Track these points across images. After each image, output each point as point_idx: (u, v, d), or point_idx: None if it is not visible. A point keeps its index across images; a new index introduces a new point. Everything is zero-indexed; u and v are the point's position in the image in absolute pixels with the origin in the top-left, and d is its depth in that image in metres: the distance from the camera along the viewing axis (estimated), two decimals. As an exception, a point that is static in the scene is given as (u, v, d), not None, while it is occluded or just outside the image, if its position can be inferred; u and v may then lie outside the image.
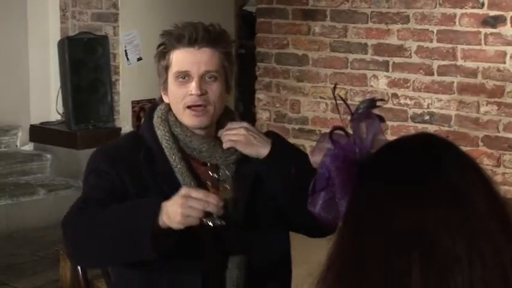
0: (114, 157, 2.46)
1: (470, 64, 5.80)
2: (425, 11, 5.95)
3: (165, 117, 2.51)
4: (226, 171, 2.44)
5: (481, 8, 5.72)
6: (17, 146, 7.15)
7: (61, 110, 7.08)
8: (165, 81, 2.51)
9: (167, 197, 2.25)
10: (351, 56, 6.32)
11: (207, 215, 2.22)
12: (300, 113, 6.59)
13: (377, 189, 1.28)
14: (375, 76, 6.22)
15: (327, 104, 6.47)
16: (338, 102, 1.65)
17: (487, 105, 5.75)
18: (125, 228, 2.26)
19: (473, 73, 5.79)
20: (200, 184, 2.44)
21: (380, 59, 6.18)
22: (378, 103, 1.43)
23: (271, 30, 6.70)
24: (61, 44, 6.83)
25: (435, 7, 5.90)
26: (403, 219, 1.23)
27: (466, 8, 5.77)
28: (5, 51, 7.13)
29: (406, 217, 1.23)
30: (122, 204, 2.34)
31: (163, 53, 2.51)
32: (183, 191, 2.24)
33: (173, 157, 2.44)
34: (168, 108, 2.52)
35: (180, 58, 2.46)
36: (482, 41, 5.74)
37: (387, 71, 6.16)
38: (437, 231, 1.22)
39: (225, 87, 2.51)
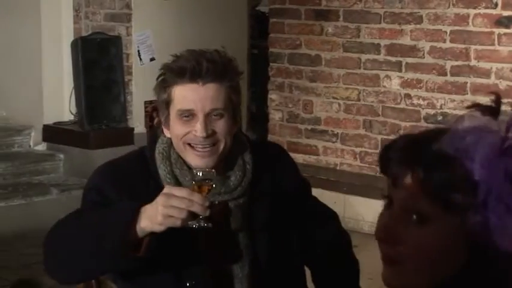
0: (121, 184, 2.27)
1: (483, 64, 5.78)
2: (439, 11, 5.93)
3: (167, 154, 2.29)
4: (212, 171, 2.17)
5: (495, 8, 5.70)
6: (30, 146, 7.17)
7: (74, 110, 7.10)
8: (167, 117, 2.27)
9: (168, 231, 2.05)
10: (364, 57, 6.31)
11: (193, 216, 2.03)
12: (313, 113, 6.59)
13: None
14: (387, 76, 6.21)
15: (339, 105, 6.46)
16: None
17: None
18: (98, 235, 2.09)
19: (486, 73, 5.77)
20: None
21: (393, 59, 6.17)
22: None
23: (284, 30, 6.70)
24: (74, 44, 6.85)
25: (448, 7, 5.89)
26: None
27: (479, 8, 5.75)
28: (18, 51, 7.16)
29: None
30: (98, 210, 2.19)
31: (163, 87, 2.27)
32: (165, 189, 2.07)
33: None
34: (170, 143, 2.30)
35: (183, 95, 2.22)
36: (496, 42, 5.72)
37: (400, 71, 6.14)
38: None
39: (232, 121, 2.27)
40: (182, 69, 2.22)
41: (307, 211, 2.47)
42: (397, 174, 1.29)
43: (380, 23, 6.21)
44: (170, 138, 2.29)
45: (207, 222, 2.05)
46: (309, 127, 6.60)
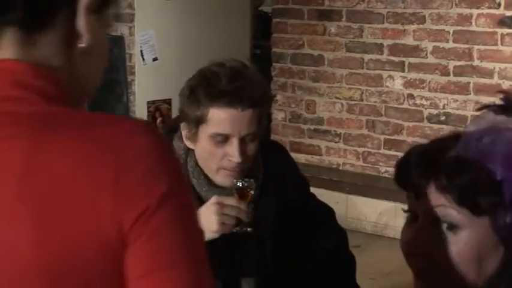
0: None
1: (486, 64, 5.78)
2: (442, 11, 5.93)
3: (184, 161, 2.28)
4: (251, 180, 2.25)
5: (498, 8, 5.70)
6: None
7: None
8: (195, 133, 2.25)
9: None
10: (367, 57, 6.31)
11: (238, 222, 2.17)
12: (316, 113, 6.59)
13: None
14: (390, 76, 6.21)
15: (342, 105, 6.46)
16: None
17: (503, 105, 5.73)
18: None
19: (489, 73, 5.77)
20: None
21: (396, 59, 6.17)
22: None
23: (287, 30, 6.70)
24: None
25: (451, 7, 5.89)
26: None
27: (482, 8, 5.75)
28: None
29: None
30: None
31: (197, 105, 2.22)
32: (215, 199, 2.13)
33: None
34: (187, 150, 2.30)
35: (220, 119, 2.20)
36: (499, 42, 5.72)
37: (403, 71, 6.14)
38: None
39: (259, 140, 2.30)
40: (223, 93, 2.19)
41: (309, 217, 2.47)
42: (419, 186, 1.28)
43: (383, 23, 6.21)
44: (187, 146, 2.29)
45: (249, 227, 2.19)
46: (312, 127, 6.61)
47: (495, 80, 5.75)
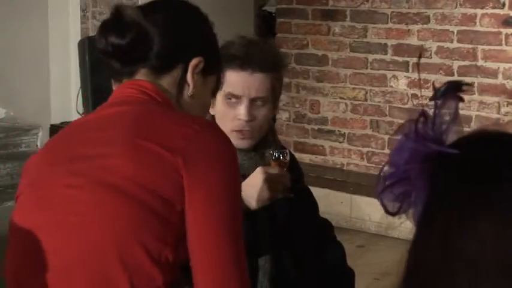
0: None
1: (490, 64, 5.77)
2: (446, 11, 5.93)
3: None
4: (285, 150, 2.44)
5: (502, 8, 5.69)
6: (37, 145, 7.18)
7: (81, 110, 7.11)
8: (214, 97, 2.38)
9: None
10: (371, 57, 6.31)
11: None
12: (320, 113, 6.59)
13: (463, 191, 1.19)
14: (394, 76, 6.21)
15: (346, 104, 6.46)
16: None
17: (507, 105, 5.72)
18: None
19: (493, 73, 5.77)
20: None
21: (400, 59, 6.17)
22: (464, 87, 1.26)
23: (291, 30, 6.70)
24: (81, 44, 6.86)
25: (455, 7, 5.88)
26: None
27: (486, 8, 5.75)
28: (26, 51, 7.17)
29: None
30: None
31: None
32: (261, 170, 2.28)
33: None
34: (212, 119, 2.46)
35: (232, 81, 2.39)
36: (503, 42, 5.71)
37: (407, 71, 6.14)
38: None
39: (272, 108, 2.46)
40: (234, 57, 2.39)
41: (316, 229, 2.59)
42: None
43: (387, 23, 6.21)
44: (211, 114, 2.44)
45: (290, 193, 2.34)
46: (316, 127, 6.60)
47: (499, 80, 5.75)
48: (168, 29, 1.88)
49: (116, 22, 1.83)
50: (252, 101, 2.39)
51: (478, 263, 1.14)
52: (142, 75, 1.85)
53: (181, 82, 1.86)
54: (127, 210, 1.69)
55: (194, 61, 1.87)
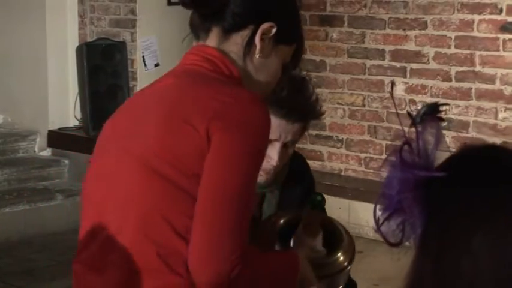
0: None
1: (488, 70, 5.78)
2: (443, 17, 5.93)
3: None
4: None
5: (500, 14, 5.70)
6: (35, 151, 7.18)
7: (79, 115, 7.11)
8: None
9: None
10: (369, 62, 6.31)
11: None
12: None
13: (455, 210, 1.21)
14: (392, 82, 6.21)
15: (344, 110, 6.46)
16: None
17: (505, 111, 5.72)
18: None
19: (491, 79, 5.77)
20: None
21: (398, 65, 6.17)
22: (442, 108, 1.27)
23: (289, 36, 6.70)
24: (79, 50, 6.86)
25: (453, 13, 5.89)
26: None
27: (484, 14, 5.75)
28: (23, 57, 7.17)
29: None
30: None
31: None
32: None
33: None
34: None
35: (272, 124, 2.22)
36: (501, 47, 5.72)
37: (405, 77, 6.14)
38: None
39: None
40: (281, 103, 2.29)
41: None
42: None
43: (385, 28, 6.21)
44: None
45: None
46: (314, 132, 6.60)
47: (497, 85, 5.75)
48: None
49: None
50: (285, 144, 2.35)
51: (472, 277, 1.16)
52: (214, 35, 1.89)
53: (250, 42, 1.88)
54: (151, 185, 1.78)
55: (265, 25, 1.88)
